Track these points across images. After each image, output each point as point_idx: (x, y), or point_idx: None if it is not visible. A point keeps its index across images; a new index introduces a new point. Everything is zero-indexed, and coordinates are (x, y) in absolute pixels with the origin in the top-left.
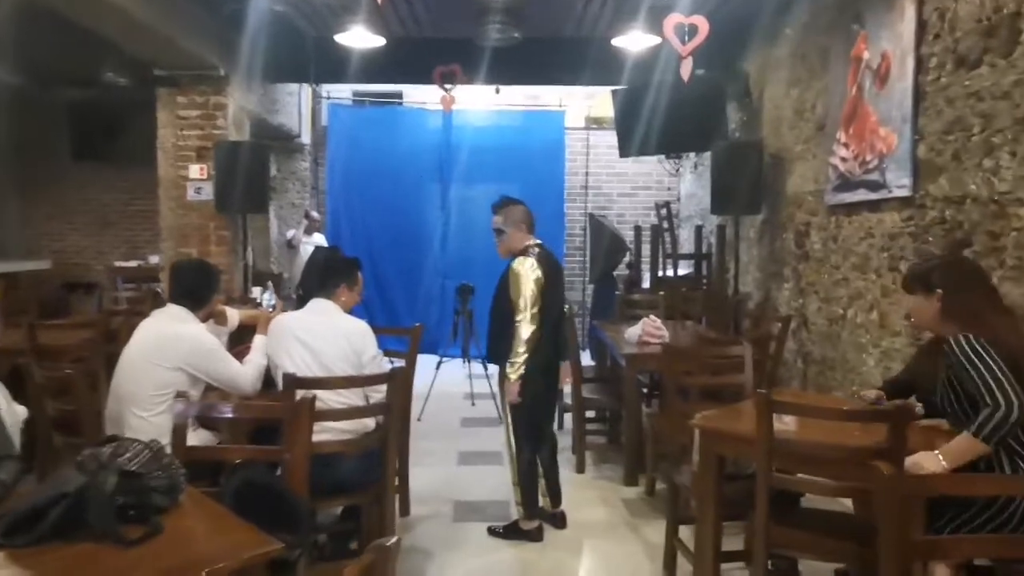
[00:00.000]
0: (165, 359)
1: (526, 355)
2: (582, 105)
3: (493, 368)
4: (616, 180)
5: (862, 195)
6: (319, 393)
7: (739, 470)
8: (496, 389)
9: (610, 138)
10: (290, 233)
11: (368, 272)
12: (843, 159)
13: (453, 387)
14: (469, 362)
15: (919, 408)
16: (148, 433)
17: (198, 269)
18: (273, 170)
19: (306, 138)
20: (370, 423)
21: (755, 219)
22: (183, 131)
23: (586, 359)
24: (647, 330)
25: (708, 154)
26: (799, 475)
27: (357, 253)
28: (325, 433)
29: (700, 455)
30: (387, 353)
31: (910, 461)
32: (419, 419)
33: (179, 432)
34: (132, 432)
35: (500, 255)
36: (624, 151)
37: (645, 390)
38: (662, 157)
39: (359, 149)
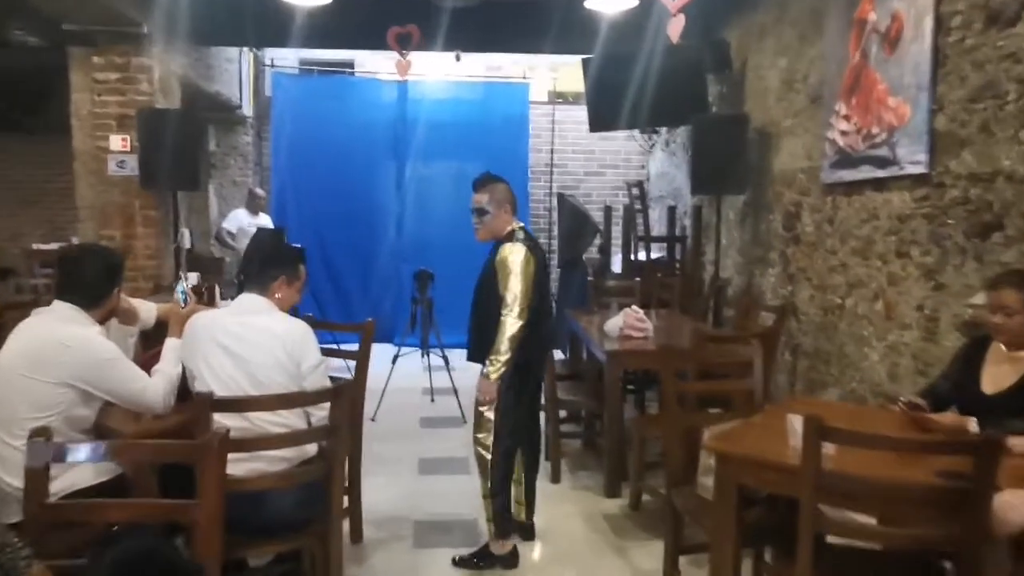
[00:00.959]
0: (46, 372)
1: (509, 354)
2: (547, 78)
3: (455, 361)
4: (583, 158)
5: (866, 172)
6: (248, 413)
7: (752, 494)
8: (459, 385)
9: (576, 113)
10: (226, 224)
11: (317, 256)
12: (843, 133)
13: (411, 381)
14: (428, 354)
15: (973, 424)
16: (21, 467)
17: (92, 256)
18: (213, 144)
19: (248, 109)
20: (311, 446)
21: (736, 199)
22: (100, 96)
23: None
24: (629, 322)
25: (680, 130)
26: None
27: (305, 235)
28: (255, 462)
29: (717, 484)
30: (335, 354)
31: (998, 501)
32: (373, 419)
33: (35, 481)
34: (2, 465)
35: (479, 239)
36: (595, 125)
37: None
38: (634, 134)
39: (306, 122)
